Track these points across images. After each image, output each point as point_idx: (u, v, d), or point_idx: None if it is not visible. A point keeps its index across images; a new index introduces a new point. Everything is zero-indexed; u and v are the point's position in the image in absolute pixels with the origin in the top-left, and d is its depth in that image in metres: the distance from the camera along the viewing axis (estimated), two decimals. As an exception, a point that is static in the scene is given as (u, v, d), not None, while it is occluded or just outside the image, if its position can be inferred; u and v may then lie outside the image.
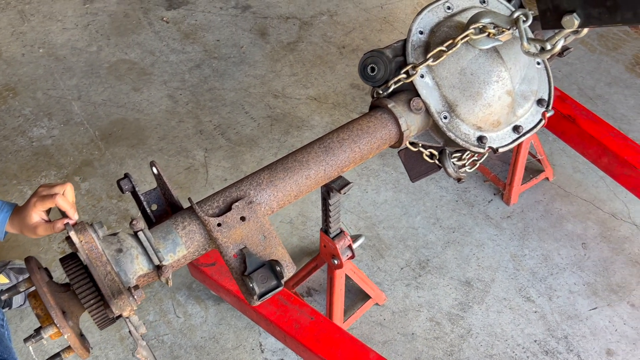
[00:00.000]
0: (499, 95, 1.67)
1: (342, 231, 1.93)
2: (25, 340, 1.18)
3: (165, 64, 3.32)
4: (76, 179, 2.68)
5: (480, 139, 1.72)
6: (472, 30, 1.60)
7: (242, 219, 1.37)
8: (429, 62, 1.62)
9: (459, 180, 1.90)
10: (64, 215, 1.33)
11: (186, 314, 2.20)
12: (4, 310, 2.08)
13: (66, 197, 1.36)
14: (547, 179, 2.71)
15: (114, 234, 1.30)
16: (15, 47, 3.41)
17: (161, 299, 2.25)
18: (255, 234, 1.36)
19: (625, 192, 2.46)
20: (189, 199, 1.36)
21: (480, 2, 1.83)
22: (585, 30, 1.42)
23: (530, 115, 1.80)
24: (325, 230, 1.91)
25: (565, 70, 3.34)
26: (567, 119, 2.47)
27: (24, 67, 3.28)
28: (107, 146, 2.84)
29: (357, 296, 2.25)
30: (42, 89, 3.15)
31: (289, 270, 1.34)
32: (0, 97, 3.10)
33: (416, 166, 2.03)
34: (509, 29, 1.59)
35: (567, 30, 1.41)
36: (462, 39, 1.60)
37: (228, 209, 1.38)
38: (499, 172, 2.68)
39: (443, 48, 1.61)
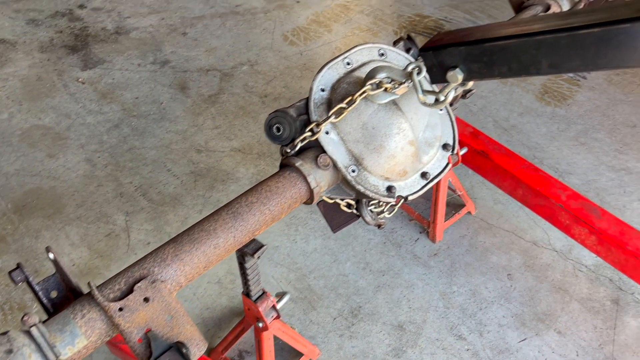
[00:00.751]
0: (401, 146, 1.70)
1: (264, 292, 1.89)
2: None
3: (81, 126, 3.23)
4: (-13, 257, 2.53)
5: (390, 189, 1.74)
6: (369, 87, 1.63)
7: (146, 300, 1.32)
8: (332, 119, 1.64)
9: (379, 226, 1.91)
10: None
11: (111, 394, 2.09)
12: None
13: None
14: (469, 213, 2.77)
15: (4, 334, 1.21)
16: None
17: (84, 380, 2.12)
18: (160, 314, 1.30)
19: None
20: (89, 283, 1.30)
21: (379, 55, 1.88)
22: (471, 82, 1.47)
23: (436, 161, 1.84)
24: (247, 293, 1.87)
25: (480, 103, 3.47)
26: (481, 155, 2.55)
27: None
28: (21, 219, 2.71)
29: (290, 354, 2.20)
30: (-51, 162, 3.00)
31: (199, 349, 1.28)
32: None
33: (336, 217, 2.03)
34: (404, 82, 1.63)
35: (454, 84, 1.46)
36: (360, 95, 1.62)
37: (130, 290, 1.32)
38: (423, 210, 2.73)
39: (343, 105, 1.63)
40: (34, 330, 1.21)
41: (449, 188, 2.72)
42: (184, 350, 1.25)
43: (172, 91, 3.51)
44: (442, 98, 1.54)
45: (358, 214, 1.87)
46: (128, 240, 2.62)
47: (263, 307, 1.86)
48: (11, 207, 2.76)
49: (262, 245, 1.66)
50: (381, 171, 1.71)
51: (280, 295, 2.01)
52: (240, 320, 2.12)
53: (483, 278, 2.49)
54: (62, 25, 4.02)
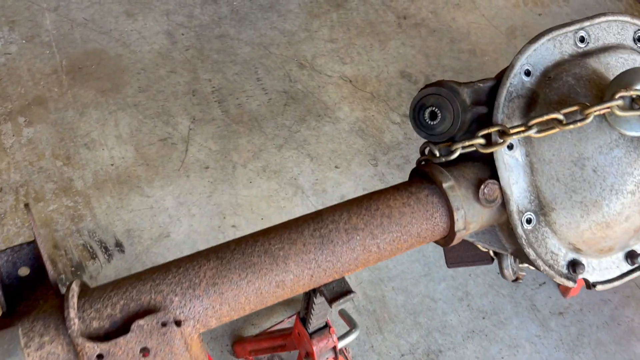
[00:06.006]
0: (628, 213, 1.00)
1: (327, 325, 1.32)
2: None
3: (175, -12, 2.64)
4: (20, 120, 2.08)
5: (574, 265, 1.08)
6: (619, 102, 0.92)
7: (144, 351, 0.77)
8: (531, 132, 0.96)
9: (516, 280, 1.29)
10: None
11: None
12: None
13: None
14: (622, 270, 2.04)
15: None
16: None
17: None
18: (162, 381, 0.77)
19: None
20: (68, 285, 0.76)
21: (634, 40, 1.14)
22: None
23: (654, 241, 1.14)
24: (303, 320, 1.30)
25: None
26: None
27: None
28: (72, 84, 2.22)
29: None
30: (16, -14, 2.51)
31: None
32: (-38, -15, 2.47)
33: (460, 250, 1.41)
34: (686, 109, 0.91)
35: None
36: (597, 110, 0.92)
37: (125, 327, 0.78)
38: (562, 244, 2.02)
39: (559, 116, 0.94)
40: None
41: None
42: None
43: (294, -23, 2.81)
44: None
45: (493, 259, 1.25)
46: (184, 155, 2.09)
47: (319, 347, 1.30)
48: (66, 65, 2.27)
49: (350, 292, 1.05)
50: (574, 237, 1.04)
51: (346, 333, 1.43)
52: (283, 335, 1.57)
53: (616, 371, 1.83)
54: None
